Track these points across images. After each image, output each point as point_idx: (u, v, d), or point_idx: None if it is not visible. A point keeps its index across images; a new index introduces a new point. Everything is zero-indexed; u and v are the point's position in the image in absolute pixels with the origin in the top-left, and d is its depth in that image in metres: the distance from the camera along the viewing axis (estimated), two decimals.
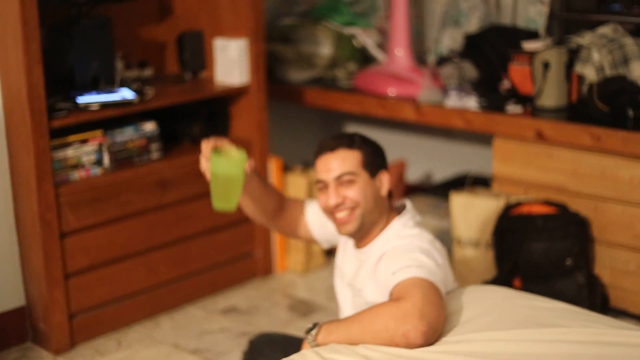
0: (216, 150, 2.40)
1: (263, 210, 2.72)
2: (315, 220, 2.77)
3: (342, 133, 2.60)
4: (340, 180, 2.50)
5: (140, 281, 3.59)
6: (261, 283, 3.98)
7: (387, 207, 2.59)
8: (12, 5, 3.14)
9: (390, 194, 2.61)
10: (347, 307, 2.66)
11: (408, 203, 2.65)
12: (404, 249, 2.44)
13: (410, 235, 2.51)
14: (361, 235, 2.57)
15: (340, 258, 2.74)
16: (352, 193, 2.49)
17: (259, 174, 2.66)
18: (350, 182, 2.49)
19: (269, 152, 4.03)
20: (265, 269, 4.03)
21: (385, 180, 2.56)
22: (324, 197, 2.53)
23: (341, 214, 2.51)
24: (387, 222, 2.57)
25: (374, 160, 2.55)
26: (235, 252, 3.91)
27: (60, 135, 3.35)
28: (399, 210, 2.63)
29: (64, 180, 3.37)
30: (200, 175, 3.66)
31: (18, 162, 3.30)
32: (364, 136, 2.58)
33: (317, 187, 2.56)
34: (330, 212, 2.53)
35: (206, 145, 2.44)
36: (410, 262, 2.35)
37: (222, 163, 2.35)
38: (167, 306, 3.70)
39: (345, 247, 2.72)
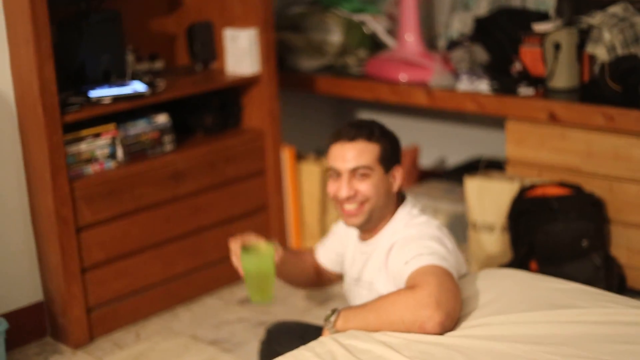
0: (245, 247, 2.44)
1: (305, 280, 2.78)
2: (327, 262, 2.80)
3: (362, 121, 2.54)
4: (355, 172, 2.46)
5: (156, 273, 3.60)
6: None
7: (395, 201, 2.57)
8: (22, 2, 3.14)
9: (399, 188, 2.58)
10: (357, 302, 2.64)
11: (406, 194, 2.63)
12: (414, 238, 2.43)
13: (419, 224, 2.50)
14: (367, 228, 2.55)
15: (346, 261, 2.74)
16: (365, 188, 2.46)
17: (289, 252, 2.69)
18: (365, 176, 2.46)
19: (282, 141, 4.03)
20: None
21: (398, 176, 2.53)
22: (334, 185, 2.49)
23: (350, 206, 2.48)
24: (393, 213, 2.56)
25: (391, 156, 2.50)
26: None
27: (73, 129, 3.36)
28: (400, 199, 2.61)
29: (79, 175, 3.38)
30: (213, 166, 3.70)
31: (32, 158, 3.31)
32: (384, 127, 2.53)
33: (329, 174, 2.53)
34: (339, 202, 2.51)
35: (235, 244, 2.47)
36: (422, 250, 2.34)
37: (252, 260, 2.40)
38: (184, 297, 3.72)
39: (348, 246, 2.71)
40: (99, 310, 3.45)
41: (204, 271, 3.77)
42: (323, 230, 4.04)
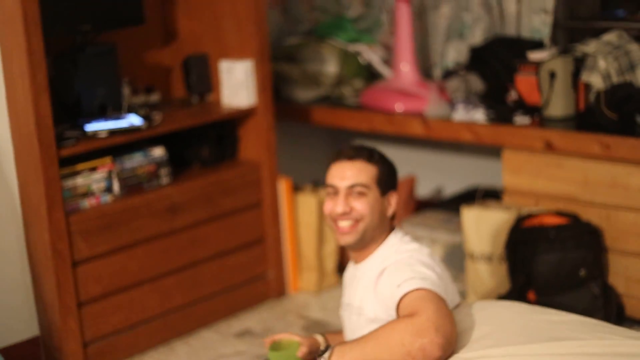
0: (274, 344, 2.51)
1: None
2: None
3: (363, 146, 2.62)
4: (351, 190, 2.52)
5: (153, 307, 3.58)
6: (275, 304, 3.97)
7: (388, 228, 2.60)
8: (18, 36, 3.15)
9: (393, 216, 2.62)
10: (347, 327, 2.66)
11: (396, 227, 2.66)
12: (405, 263, 2.47)
13: (410, 250, 2.54)
14: (358, 248, 2.59)
15: (345, 277, 2.75)
16: (361, 205, 2.52)
17: (334, 336, 2.71)
18: (361, 195, 2.52)
19: (284, 173, 4.02)
20: (278, 290, 4.02)
21: (393, 202, 2.59)
22: (331, 203, 2.55)
23: (344, 223, 2.54)
24: (385, 238, 2.59)
25: (388, 180, 2.57)
26: (247, 274, 3.90)
27: (69, 163, 3.35)
28: (391, 229, 2.64)
29: (75, 209, 3.37)
30: (210, 199, 3.70)
31: (28, 192, 3.31)
32: (383, 154, 2.60)
33: (327, 192, 2.58)
34: (333, 219, 2.55)
35: (267, 342, 2.54)
36: (414, 275, 2.38)
37: (276, 356, 2.47)
38: (181, 331, 3.69)
39: (346, 273, 2.74)
40: (96, 344, 3.43)
41: (201, 304, 3.74)
42: (320, 261, 4.03)
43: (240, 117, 3.95)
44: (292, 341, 2.52)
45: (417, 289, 2.33)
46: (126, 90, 3.69)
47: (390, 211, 2.58)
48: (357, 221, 2.52)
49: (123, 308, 3.49)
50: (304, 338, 2.52)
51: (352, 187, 2.52)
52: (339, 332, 2.83)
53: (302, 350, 2.47)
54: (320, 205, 3.94)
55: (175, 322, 3.67)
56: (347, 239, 2.54)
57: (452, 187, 4.62)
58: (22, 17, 3.11)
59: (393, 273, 2.44)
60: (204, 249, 3.72)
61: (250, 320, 3.82)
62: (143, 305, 3.55)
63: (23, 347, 3.42)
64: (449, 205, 4.22)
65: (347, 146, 2.62)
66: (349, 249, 2.65)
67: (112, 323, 3.46)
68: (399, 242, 2.58)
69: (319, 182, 4.20)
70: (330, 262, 4.08)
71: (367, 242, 2.56)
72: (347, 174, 2.52)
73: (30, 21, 3.13)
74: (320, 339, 2.58)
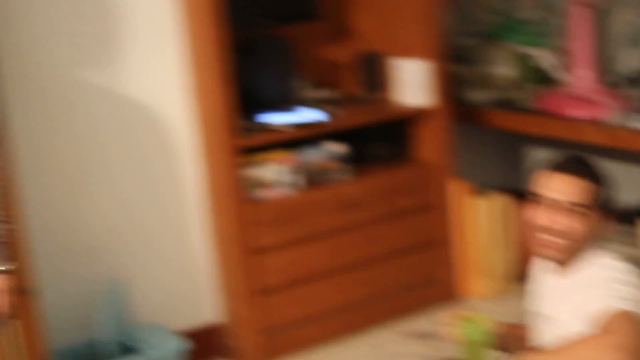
0: (464, 318, 2.49)
1: None
2: None
3: (585, 160, 2.52)
4: (572, 208, 2.43)
5: (330, 301, 3.62)
6: (449, 307, 3.92)
7: (593, 243, 2.53)
8: (207, 29, 3.22)
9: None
10: (542, 337, 2.61)
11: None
12: (613, 281, 2.38)
13: (619, 269, 2.44)
14: (559, 263, 2.52)
15: (535, 286, 2.69)
16: (577, 226, 2.41)
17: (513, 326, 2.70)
18: (579, 215, 2.41)
19: (458, 175, 3.99)
20: (451, 293, 4.00)
21: (604, 222, 2.50)
22: (546, 215, 2.44)
23: (551, 238, 2.45)
24: (591, 253, 2.51)
25: (605, 201, 2.49)
26: (422, 275, 3.90)
27: (251, 154, 3.40)
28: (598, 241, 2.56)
29: (258, 199, 3.42)
30: (386, 197, 3.68)
31: (213, 182, 3.38)
32: (602, 173, 2.51)
33: (536, 200, 2.47)
34: (539, 230, 2.47)
35: (451, 315, 2.51)
36: (620, 294, 2.30)
37: (474, 330, 2.45)
38: (357, 327, 3.71)
39: (539, 274, 2.67)
40: (273, 334, 3.48)
41: (376, 301, 3.76)
42: (495, 267, 4.00)
43: (415, 117, 3.93)
44: (480, 317, 2.48)
45: (615, 308, 2.26)
46: (302, 85, 3.71)
47: (600, 231, 2.51)
48: (567, 240, 2.44)
49: (301, 300, 3.54)
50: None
51: (573, 204, 2.41)
52: (521, 326, 2.79)
53: (500, 326, 2.44)
54: (493, 210, 3.89)
55: (351, 317, 3.68)
56: (551, 254, 2.46)
57: (623, 198, 4.50)
58: (212, 8, 3.18)
59: (592, 290, 2.36)
60: (379, 246, 3.73)
61: (424, 322, 3.80)
62: (320, 299, 3.59)
63: (204, 332, 3.50)
64: (623, 217, 4.11)
65: (571, 158, 2.52)
66: (549, 261, 2.57)
67: (290, 314, 3.52)
68: (603, 258, 2.49)
69: (495, 187, 4.14)
70: (506, 269, 4.03)
71: (569, 259, 2.49)
72: (571, 190, 2.42)
73: (220, 13, 3.20)
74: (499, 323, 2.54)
